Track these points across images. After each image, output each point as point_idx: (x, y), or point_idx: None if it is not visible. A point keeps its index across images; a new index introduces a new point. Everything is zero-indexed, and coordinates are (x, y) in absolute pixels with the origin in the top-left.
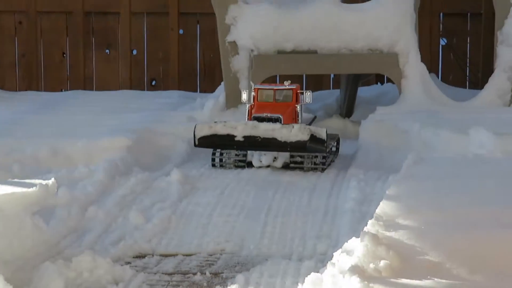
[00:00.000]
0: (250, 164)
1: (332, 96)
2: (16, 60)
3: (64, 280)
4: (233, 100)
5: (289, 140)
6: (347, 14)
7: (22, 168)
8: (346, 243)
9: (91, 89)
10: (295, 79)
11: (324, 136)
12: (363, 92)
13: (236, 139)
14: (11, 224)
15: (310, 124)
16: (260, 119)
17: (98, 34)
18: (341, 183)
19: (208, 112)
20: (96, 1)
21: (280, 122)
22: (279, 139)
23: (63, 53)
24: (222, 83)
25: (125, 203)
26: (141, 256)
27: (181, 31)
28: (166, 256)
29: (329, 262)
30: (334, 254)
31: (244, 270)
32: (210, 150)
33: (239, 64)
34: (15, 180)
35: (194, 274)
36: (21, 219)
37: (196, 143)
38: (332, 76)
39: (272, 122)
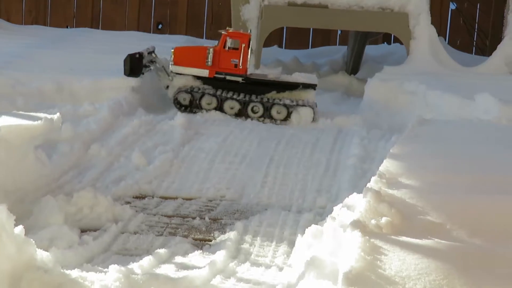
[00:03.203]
0: None
1: (339, 52)
2: None
3: (64, 215)
4: None
5: None
6: None
7: (26, 102)
8: (347, 198)
9: (97, 28)
10: (302, 31)
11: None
12: (370, 50)
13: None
14: (14, 155)
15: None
16: None
17: None
18: (343, 139)
19: None
20: None
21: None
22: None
23: None
24: None
25: (127, 143)
26: (141, 197)
27: None
28: (166, 198)
29: (329, 216)
30: (334, 208)
31: (243, 218)
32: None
33: (249, 13)
34: (20, 112)
35: (193, 218)
36: (24, 151)
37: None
38: (339, 32)
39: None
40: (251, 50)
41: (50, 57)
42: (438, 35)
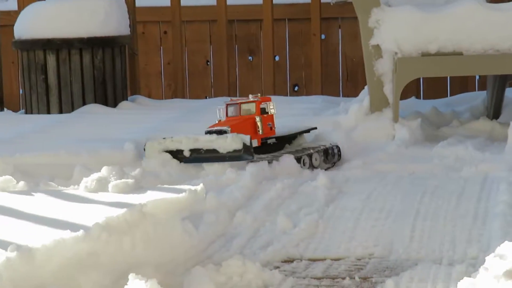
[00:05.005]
0: None
1: (478, 97)
2: (162, 69)
3: (215, 284)
4: (377, 104)
5: (226, 150)
6: (492, 13)
7: (169, 174)
8: (498, 247)
9: (235, 96)
10: (439, 80)
11: (249, 142)
12: (510, 93)
13: (184, 153)
14: (162, 229)
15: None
16: (210, 133)
17: (240, 41)
18: (490, 186)
19: (353, 116)
20: (239, 8)
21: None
22: (219, 149)
23: (207, 61)
24: (366, 87)
25: (272, 208)
26: (289, 261)
27: (323, 36)
28: (314, 260)
29: (481, 266)
30: (487, 258)
31: (394, 274)
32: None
33: (383, 67)
34: (164, 186)
35: (343, 278)
36: (172, 224)
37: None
38: (477, 77)
39: (222, 134)
40: None
41: (191, 128)
42: None
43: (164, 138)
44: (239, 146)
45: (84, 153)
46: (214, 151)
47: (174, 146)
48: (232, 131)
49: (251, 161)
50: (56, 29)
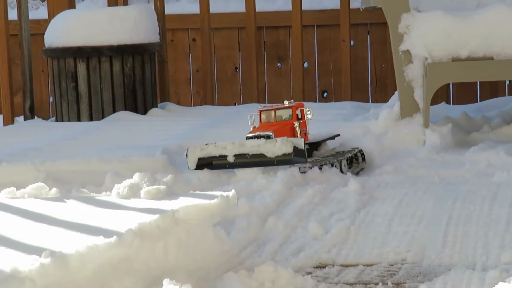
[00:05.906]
0: None
1: (508, 102)
2: (191, 76)
3: None
4: (408, 109)
5: (275, 155)
6: None
7: (201, 181)
8: None
9: (264, 102)
10: (469, 86)
11: (302, 146)
12: None
13: (228, 158)
14: (194, 235)
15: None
16: (252, 138)
17: (269, 48)
18: None
19: (383, 122)
20: (268, 15)
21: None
22: (266, 154)
23: (236, 68)
24: (396, 92)
25: (303, 214)
26: (321, 266)
27: (352, 42)
28: (346, 266)
29: None
30: None
31: (427, 280)
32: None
33: (413, 73)
34: (196, 192)
35: (376, 284)
36: (203, 230)
37: (195, 167)
38: (507, 82)
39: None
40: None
41: (222, 135)
42: None
43: (206, 144)
44: (289, 149)
45: (116, 160)
46: (261, 155)
47: (217, 152)
48: (275, 134)
49: (303, 165)
50: (86, 37)
